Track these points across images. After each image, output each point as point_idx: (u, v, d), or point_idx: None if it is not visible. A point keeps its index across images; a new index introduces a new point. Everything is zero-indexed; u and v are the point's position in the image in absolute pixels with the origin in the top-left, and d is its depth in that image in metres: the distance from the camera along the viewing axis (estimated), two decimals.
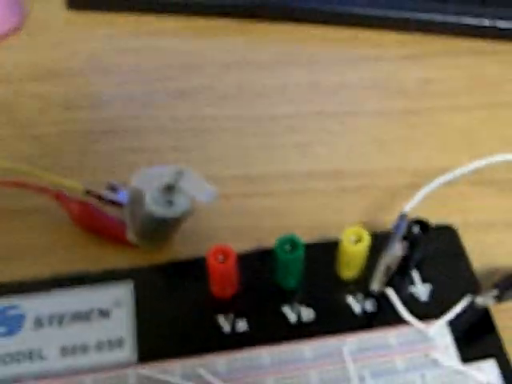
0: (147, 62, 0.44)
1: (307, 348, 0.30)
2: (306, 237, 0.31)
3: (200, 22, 0.47)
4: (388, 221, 0.35)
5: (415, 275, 0.32)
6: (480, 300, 0.30)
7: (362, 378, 0.29)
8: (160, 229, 0.32)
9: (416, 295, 0.31)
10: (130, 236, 0.33)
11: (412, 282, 0.32)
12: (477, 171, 0.36)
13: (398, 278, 0.31)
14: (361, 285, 0.31)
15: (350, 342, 0.30)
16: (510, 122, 0.41)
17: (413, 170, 0.38)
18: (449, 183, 0.34)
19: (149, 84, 0.43)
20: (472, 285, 0.32)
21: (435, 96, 0.42)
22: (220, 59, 0.45)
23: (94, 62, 0.44)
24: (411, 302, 0.31)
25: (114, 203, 0.34)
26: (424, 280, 0.32)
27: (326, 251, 0.32)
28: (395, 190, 0.37)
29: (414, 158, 0.39)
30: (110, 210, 0.34)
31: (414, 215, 0.31)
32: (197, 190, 0.30)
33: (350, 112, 0.41)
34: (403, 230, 0.30)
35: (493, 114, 0.41)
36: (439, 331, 0.30)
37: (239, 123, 0.41)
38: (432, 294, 0.31)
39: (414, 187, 0.36)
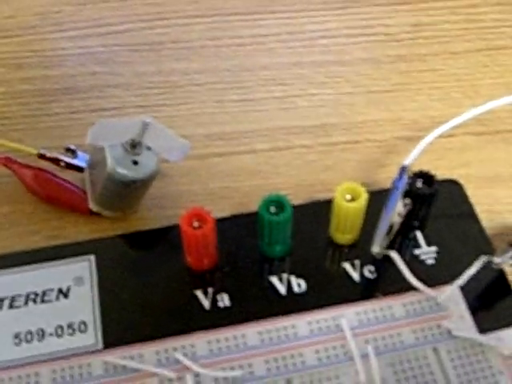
0: (106, 14, 0.40)
1: (300, 323, 0.26)
2: (293, 199, 0.27)
3: None
4: (384, 178, 0.31)
5: (419, 237, 0.28)
6: (498, 260, 0.26)
7: (364, 356, 0.25)
8: (124, 193, 0.28)
9: (421, 259, 0.27)
10: (92, 204, 0.29)
11: (416, 245, 0.28)
12: (480, 122, 0.33)
13: (401, 240, 0.28)
14: (358, 249, 0.28)
15: (349, 314, 0.26)
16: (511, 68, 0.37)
17: (408, 122, 0.34)
18: (449, 135, 0.31)
19: (109, 38, 0.39)
20: (483, 245, 0.28)
21: (428, 42, 0.38)
22: (187, 9, 0.40)
23: (47, 16, 0.40)
24: (416, 267, 0.27)
25: (72, 168, 0.31)
26: (429, 242, 0.28)
27: (317, 213, 0.28)
28: (390, 145, 0.33)
29: (409, 109, 0.35)
30: (69, 177, 0.31)
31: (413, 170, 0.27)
32: (165, 146, 0.27)
33: (335, 61, 0.37)
34: (405, 184, 0.26)
35: (493, 59, 0.37)
36: (451, 298, 0.26)
37: (212, 77, 0.36)
38: (439, 257, 0.27)
39: (411, 140, 0.33)
